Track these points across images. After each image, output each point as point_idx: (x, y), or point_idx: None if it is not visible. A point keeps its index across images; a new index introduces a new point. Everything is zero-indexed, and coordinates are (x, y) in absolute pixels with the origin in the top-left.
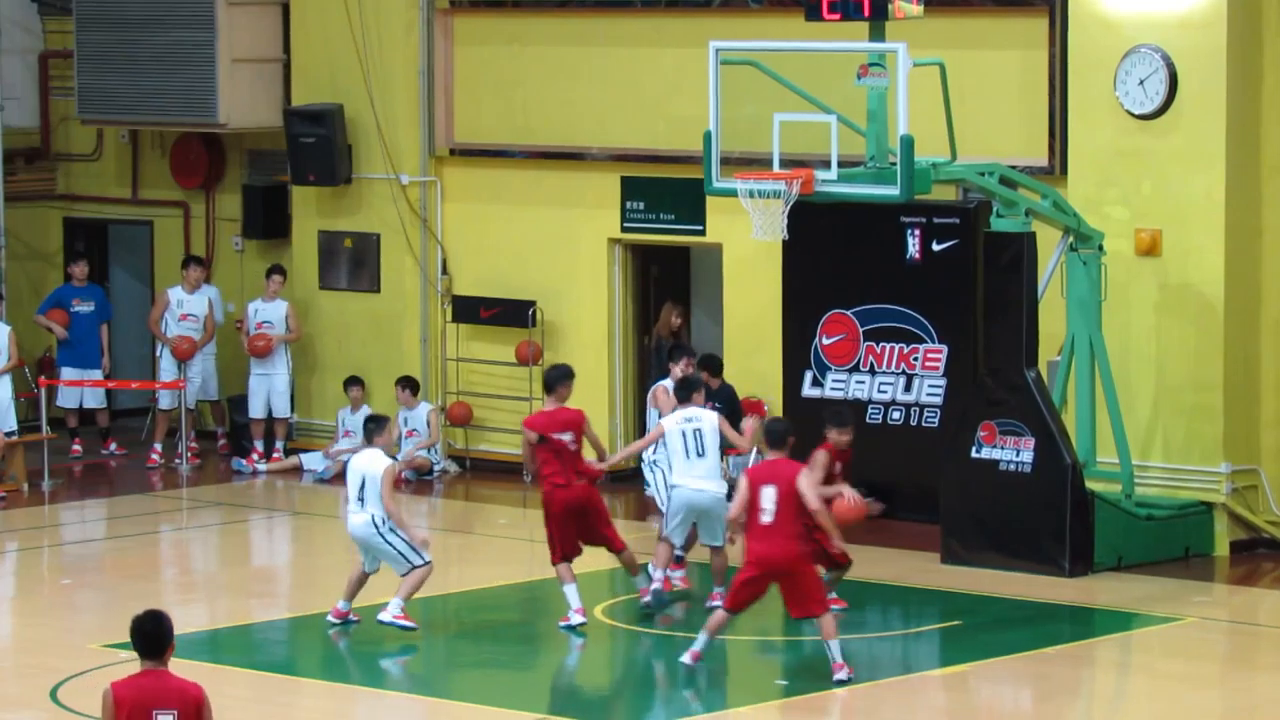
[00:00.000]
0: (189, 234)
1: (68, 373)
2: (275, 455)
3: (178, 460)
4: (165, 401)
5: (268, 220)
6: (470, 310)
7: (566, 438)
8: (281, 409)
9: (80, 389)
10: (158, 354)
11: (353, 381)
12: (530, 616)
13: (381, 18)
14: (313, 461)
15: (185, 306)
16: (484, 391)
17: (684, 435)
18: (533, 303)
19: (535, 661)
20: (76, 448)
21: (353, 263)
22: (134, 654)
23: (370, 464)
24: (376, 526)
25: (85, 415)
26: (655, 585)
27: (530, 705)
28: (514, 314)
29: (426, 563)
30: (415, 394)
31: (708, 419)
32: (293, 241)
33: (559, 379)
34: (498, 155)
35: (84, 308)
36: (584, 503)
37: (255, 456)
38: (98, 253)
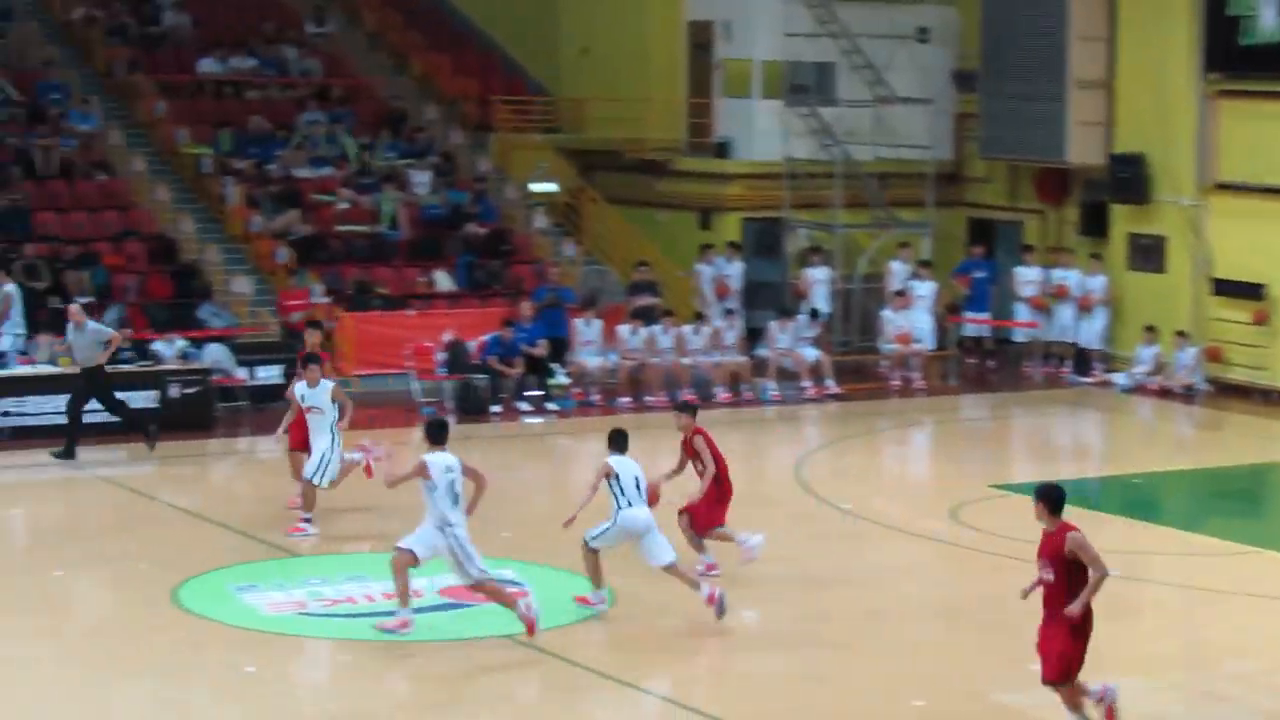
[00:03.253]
0: (1044, 232)
1: (967, 314)
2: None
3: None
4: (1019, 335)
5: (1094, 224)
6: (1226, 288)
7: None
8: (1095, 343)
9: (974, 325)
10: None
11: (1147, 329)
12: None
13: (1173, 102)
14: (1120, 380)
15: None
16: (1231, 340)
17: None
18: (1265, 284)
19: None
20: (970, 360)
21: (1148, 254)
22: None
23: (636, 466)
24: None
25: (976, 342)
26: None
27: None
28: (1250, 291)
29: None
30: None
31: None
32: (1110, 238)
33: None
34: (1250, 190)
35: (979, 274)
36: None
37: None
38: (988, 240)
